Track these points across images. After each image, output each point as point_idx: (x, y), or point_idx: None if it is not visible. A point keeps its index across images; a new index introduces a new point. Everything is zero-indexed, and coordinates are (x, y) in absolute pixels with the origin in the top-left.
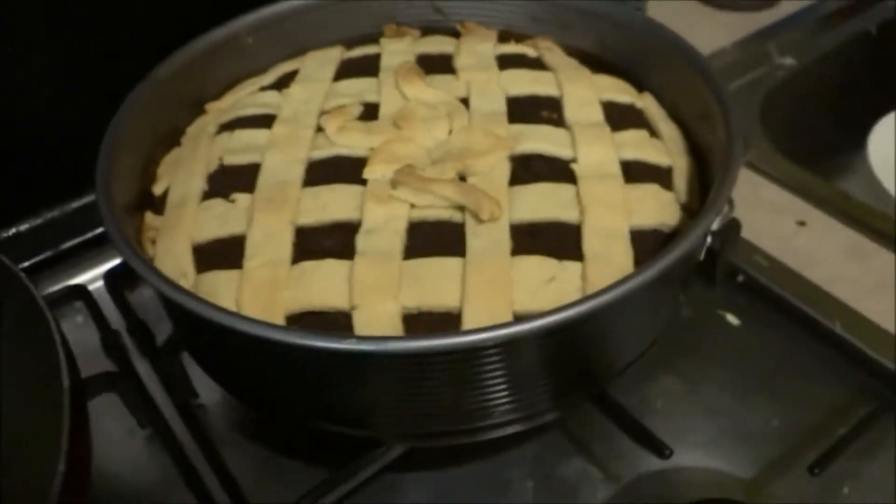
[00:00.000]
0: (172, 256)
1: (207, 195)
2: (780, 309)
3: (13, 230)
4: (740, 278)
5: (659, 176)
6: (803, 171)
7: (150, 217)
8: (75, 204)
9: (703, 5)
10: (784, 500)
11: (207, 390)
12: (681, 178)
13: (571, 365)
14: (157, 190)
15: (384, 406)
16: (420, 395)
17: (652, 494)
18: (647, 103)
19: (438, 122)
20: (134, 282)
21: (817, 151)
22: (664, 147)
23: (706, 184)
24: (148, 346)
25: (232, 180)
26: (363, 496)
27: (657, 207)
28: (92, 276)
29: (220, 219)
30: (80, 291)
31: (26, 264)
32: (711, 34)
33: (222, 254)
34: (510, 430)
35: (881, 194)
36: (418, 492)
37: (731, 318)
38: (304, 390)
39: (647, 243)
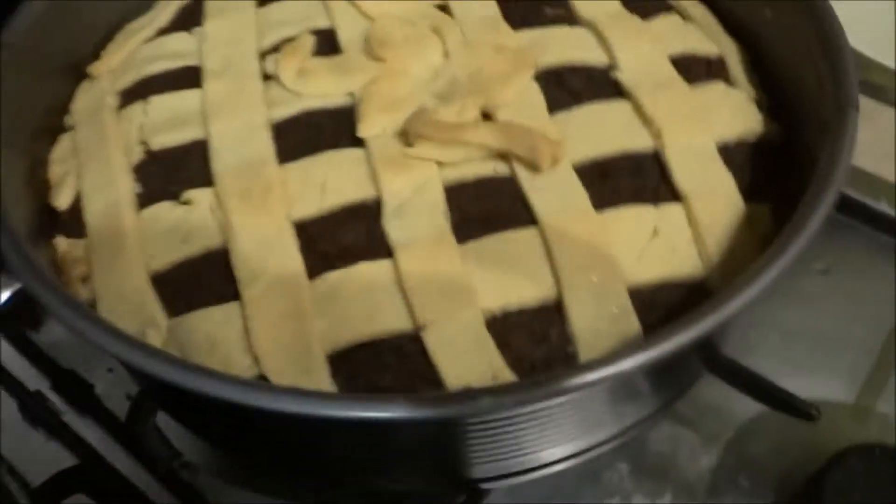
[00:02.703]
0: (126, 299)
1: (145, 199)
2: None
3: None
4: None
5: (715, 70)
6: None
7: (64, 243)
8: None
9: None
10: None
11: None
12: (737, 67)
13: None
14: (62, 202)
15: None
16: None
17: (767, 446)
18: None
19: (426, 43)
20: (35, 317)
21: None
22: (701, 31)
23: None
24: (91, 405)
25: (172, 171)
26: None
27: (733, 112)
28: None
29: (177, 232)
30: None
31: None
32: None
33: (199, 283)
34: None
35: None
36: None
37: None
38: (355, 454)
39: (738, 161)
